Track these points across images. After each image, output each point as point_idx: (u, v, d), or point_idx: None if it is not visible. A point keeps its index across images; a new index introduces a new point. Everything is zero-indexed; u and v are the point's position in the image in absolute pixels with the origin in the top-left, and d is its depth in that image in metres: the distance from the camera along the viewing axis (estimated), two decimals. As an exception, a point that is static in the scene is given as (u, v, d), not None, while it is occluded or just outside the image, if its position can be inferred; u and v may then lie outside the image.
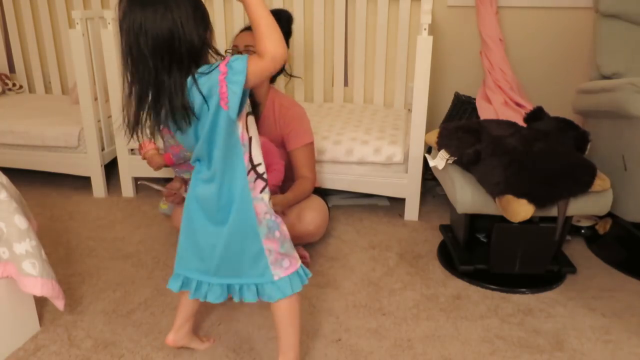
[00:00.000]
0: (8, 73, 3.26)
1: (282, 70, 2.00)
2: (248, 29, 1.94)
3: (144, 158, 1.94)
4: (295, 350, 1.34)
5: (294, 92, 2.92)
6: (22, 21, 3.14)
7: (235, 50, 1.89)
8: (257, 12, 1.09)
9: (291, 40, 2.87)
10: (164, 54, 1.10)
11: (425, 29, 2.08)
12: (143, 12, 1.09)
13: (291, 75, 2.11)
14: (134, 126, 1.19)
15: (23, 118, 2.61)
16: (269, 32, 1.09)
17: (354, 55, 2.81)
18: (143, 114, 1.17)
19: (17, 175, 2.10)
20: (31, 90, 3.30)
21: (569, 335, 1.56)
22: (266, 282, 1.27)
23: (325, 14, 2.77)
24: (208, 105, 1.13)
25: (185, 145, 1.27)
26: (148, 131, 1.21)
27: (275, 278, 1.27)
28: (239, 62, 1.12)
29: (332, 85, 2.89)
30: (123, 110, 1.20)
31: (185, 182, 2.00)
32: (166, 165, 1.93)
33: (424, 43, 2.07)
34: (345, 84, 2.89)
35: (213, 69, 1.13)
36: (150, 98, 1.15)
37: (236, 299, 1.31)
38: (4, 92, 3.16)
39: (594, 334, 1.57)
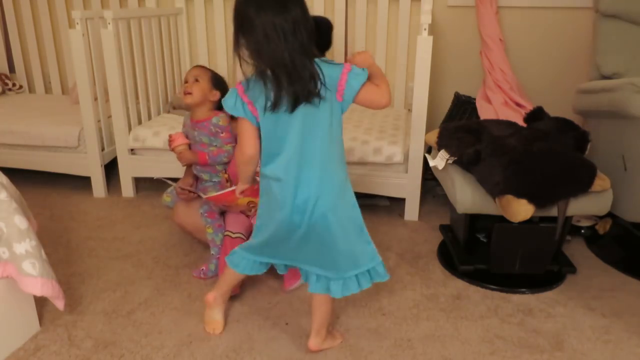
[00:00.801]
0: (8, 73, 3.26)
1: None
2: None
3: (174, 151, 1.92)
4: (326, 328, 1.49)
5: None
6: (22, 21, 3.14)
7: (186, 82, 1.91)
8: (381, 76, 1.35)
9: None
10: (297, 39, 1.21)
11: (425, 29, 2.08)
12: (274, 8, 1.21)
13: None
14: (274, 107, 1.26)
15: (23, 118, 2.61)
16: (388, 89, 1.33)
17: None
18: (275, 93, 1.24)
19: (17, 175, 2.09)
20: (31, 90, 3.30)
21: (569, 335, 1.56)
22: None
23: (325, 14, 2.77)
24: (324, 91, 1.24)
25: (268, 133, 1.29)
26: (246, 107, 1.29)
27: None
28: (363, 70, 1.29)
29: (332, 85, 2.89)
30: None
31: (198, 179, 1.98)
32: (196, 164, 1.91)
33: (424, 43, 2.07)
34: (346, 84, 2.88)
35: (338, 63, 1.29)
36: (276, 77, 1.23)
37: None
38: (4, 92, 3.16)
39: (594, 334, 1.57)
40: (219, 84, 1.91)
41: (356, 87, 1.28)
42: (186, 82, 1.89)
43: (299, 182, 1.29)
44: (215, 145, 1.89)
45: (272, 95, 1.24)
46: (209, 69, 1.94)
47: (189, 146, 1.93)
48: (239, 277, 1.54)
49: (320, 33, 1.92)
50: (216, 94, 1.89)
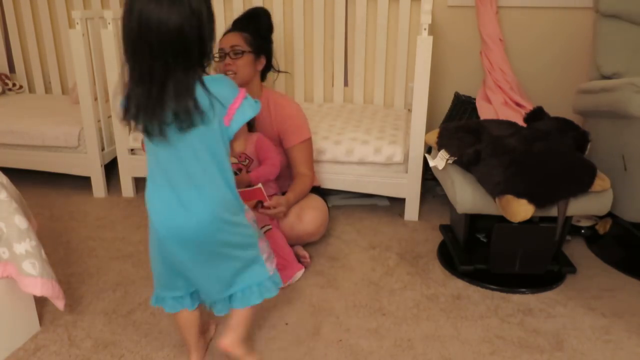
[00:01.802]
0: (8, 73, 3.26)
1: (270, 66, 2.00)
2: (231, 30, 1.94)
3: None
4: (245, 329, 1.35)
5: (295, 91, 2.92)
6: (22, 21, 3.14)
7: (222, 52, 1.87)
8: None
9: (291, 38, 2.88)
10: (175, 50, 1.05)
11: (425, 29, 2.08)
12: (156, 1, 1.04)
13: (279, 71, 2.08)
14: (134, 120, 1.12)
15: (23, 118, 2.61)
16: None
17: (354, 55, 2.81)
18: (140, 111, 1.10)
19: (17, 175, 2.10)
20: (31, 90, 3.30)
21: (569, 335, 1.56)
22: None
23: (325, 14, 2.77)
24: (213, 112, 1.11)
25: (161, 156, 1.18)
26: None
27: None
28: (256, 102, 1.20)
29: (332, 85, 2.89)
30: (126, 101, 1.11)
31: None
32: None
33: (424, 43, 2.07)
34: (345, 84, 2.89)
35: (233, 85, 1.18)
36: (153, 95, 1.08)
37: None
38: (4, 92, 3.16)
39: (594, 334, 1.57)
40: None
41: (248, 115, 1.17)
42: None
43: (180, 206, 1.18)
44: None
45: (135, 112, 1.09)
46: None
47: None
48: (186, 324, 1.37)
49: (260, 21, 1.93)
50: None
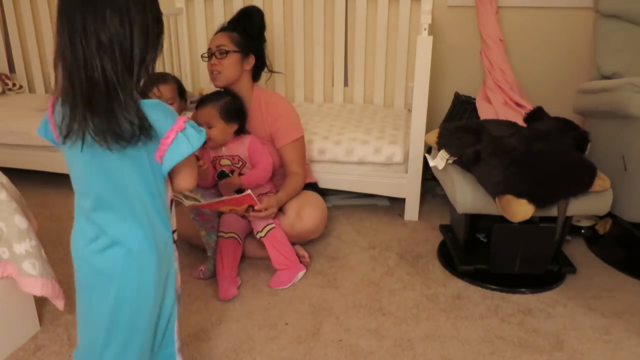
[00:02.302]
0: (8, 73, 3.26)
1: (264, 66, 2.00)
2: (221, 30, 1.95)
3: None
4: None
5: (295, 91, 2.92)
6: (22, 21, 3.14)
7: (209, 52, 1.88)
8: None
9: (291, 38, 2.88)
10: (109, 59, 0.91)
11: (425, 29, 2.08)
12: (93, 6, 0.91)
13: (272, 71, 2.07)
14: (66, 135, 0.95)
15: (23, 118, 2.61)
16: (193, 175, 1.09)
17: (354, 55, 2.81)
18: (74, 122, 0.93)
19: (17, 175, 2.09)
20: (31, 90, 3.30)
21: (569, 335, 1.56)
22: None
23: (325, 14, 2.77)
24: (146, 140, 0.94)
25: (71, 167, 1.01)
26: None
27: None
28: (199, 132, 1.00)
29: (332, 85, 2.89)
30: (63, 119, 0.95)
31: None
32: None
33: (424, 43, 2.07)
34: (345, 84, 2.89)
35: (170, 112, 0.99)
36: (74, 97, 0.93)
37: None
38: (4, 92, 3.16)
39: (594, 334, 1.57)
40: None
41: (183, 152, 0.97)
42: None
43: (108, 237, 1.00)
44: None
45: (66, 121, 0.93)
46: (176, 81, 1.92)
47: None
48: None
49: (251, 20, 1.95)
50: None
